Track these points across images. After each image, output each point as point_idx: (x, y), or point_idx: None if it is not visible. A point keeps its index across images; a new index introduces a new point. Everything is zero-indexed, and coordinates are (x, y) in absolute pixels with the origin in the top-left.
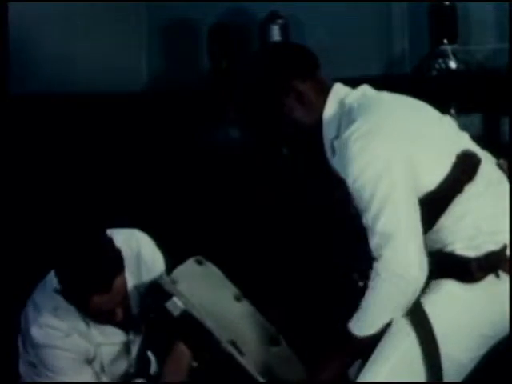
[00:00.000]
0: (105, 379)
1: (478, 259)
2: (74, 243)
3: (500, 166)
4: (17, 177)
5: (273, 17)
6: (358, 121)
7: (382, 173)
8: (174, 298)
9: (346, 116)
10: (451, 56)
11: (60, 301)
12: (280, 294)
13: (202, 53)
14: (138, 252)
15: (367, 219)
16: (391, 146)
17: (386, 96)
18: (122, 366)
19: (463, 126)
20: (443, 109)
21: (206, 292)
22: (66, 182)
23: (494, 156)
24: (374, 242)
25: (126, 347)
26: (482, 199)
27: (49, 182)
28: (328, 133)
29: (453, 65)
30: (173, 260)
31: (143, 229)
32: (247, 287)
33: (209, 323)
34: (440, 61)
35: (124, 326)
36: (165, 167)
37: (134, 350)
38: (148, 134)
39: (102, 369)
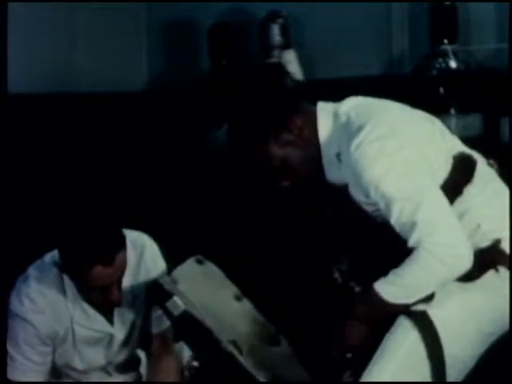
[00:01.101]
0: (80, 366)
1: (474, 256)
2: (81, 216)
3: (491, 165)
4: (17, 177)
5: (273, 16)
6: (367, 127)
7: (405, 171)
8: (175, 298)
9: (345, 128)
10: (451, 56)
11: (50, 275)
12: (280, 294)
13: (202, 52)
14: (141, 254)
15: (402, 218)
16: (407, 147)
17: (381, 102)
18: (99, 357)
19: (463, 126)
20: (443, 109)
21: (207, 291)
22: (67, 181)
23: (494, 156)
24: (415, 236)
25: (108, 339)
26: (480, 198)
27: (49, 182)
28: (329, 151)
29: (453, 65)
30: (172, 259)
31: (144, 228)
32: (247, 286)
33: (209, 323)
34: (440, 60)
35: (110, 316)
36: (165, 166)
37: (115, 346)
38: (149, 134)
39: (76, 350)
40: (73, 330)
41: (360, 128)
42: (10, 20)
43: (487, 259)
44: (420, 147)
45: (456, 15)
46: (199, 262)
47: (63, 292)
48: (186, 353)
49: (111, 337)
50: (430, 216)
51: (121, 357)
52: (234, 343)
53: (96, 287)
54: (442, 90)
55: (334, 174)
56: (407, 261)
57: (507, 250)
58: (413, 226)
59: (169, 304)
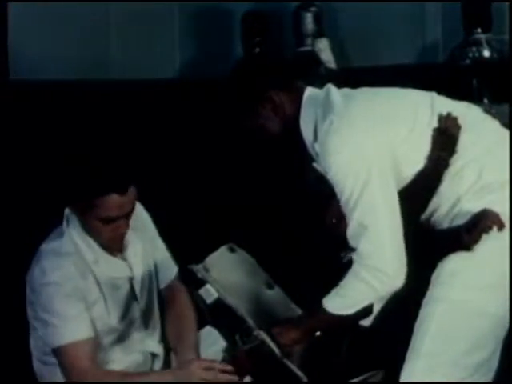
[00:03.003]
0: (113, 323)
1: (465, 224)
2: (95, 148)
3: (487, 110)
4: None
5: (306, 4)
6: (329, 118)
7: (359, 166)
8: (208, 286)
9: (321, 118)
10: (485, 45)
11: (62, 240)
12: (311, 282)
13: (235, 40)
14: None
15: (346, 211)
16: (366, 136)
17: (348, 90)
18: (130, 311)
19: (495, 115)
20: (476, 98)
21: (239, 279)
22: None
23: None
24: (350, 231)
25: (131, 285)
26: (477, 149)
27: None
28: (307, 138)
29: (486, 53)
30: (205, 247)
31: (173, 216)
32: (279, 274)
33: (242, 310)
34: (474, 49)
35: (126, 260)
36: (195, 154)
37: (137, 289)
38: (179, 121)
39: (108, 312)
40: (100, 287)
41: (325, 119)
42: (42, 8)
43: (479, 223)
44: (383, 133)
45: (489, 4)
46: (231, 249)
47: (80, 252)
48: (218, 345)
49: (131, 282)
50: (365, 219)
51: (142, 306)
52: (267, 331)
53: (108, 219)
54: (475, 79)
55: (314, 151)
56: (350, 273)
57: (504, 210)
58: (349, 220)
59: (202, 291)
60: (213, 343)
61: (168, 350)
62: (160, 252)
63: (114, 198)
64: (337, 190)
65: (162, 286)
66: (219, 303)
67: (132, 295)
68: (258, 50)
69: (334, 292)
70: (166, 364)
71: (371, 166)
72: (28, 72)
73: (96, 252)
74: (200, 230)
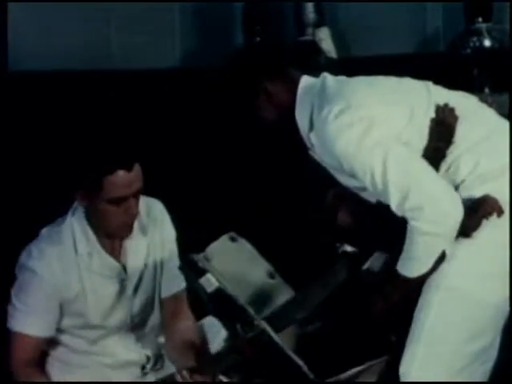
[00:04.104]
0: (94, 321)
1: (464, 210)
2: (98, 129)
3: (483, 99)
4: (42, 151)
5: None
6: (327, 107)
7: (366, 138)
8: (208, 275)
9: (317, 107)
10: (486, 34)
11: (61, 229)
12: (313, 271)
13: (235, 29)
14: (149, 212)
15: (377, 185)
16: (369, 115)
17: (345, 78)
18: (117, 312)
19: (497, 105)
20: (477, 87)
21: (240, 269)
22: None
23: None
24: (393, 202)
25: (122, 287)
26: (473, 137)
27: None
28: (302, 127)
29: (487, 43)
30: (205, 236)
31: (174, 204)
32: (280, 264)
33: (242, 300)
34: (474, 39)
35: (124, 262)
36: (195, 142)
37: (129, 292)
38: (181, 111)
39: (88, 307)
40: (81, 282)
41: (322, 108)
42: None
43: (478, 209)
44: (384, 114)
45: None
46: (232, 239)
47: (74, 242)
48: (219, 337)
49: (123, 284)
50: (399, 177)
51: (135, 311)
52: (268, 320)
53: (119, 200)
54: (476, 68)
55: (309, 141)
56: (408, 232)
57: (503, 198)
58: (386, 191)
59: (202, 281)
60: (216, 333)
61: (161, 354)
62: (169, 261)
63: (122, 175)
64: (355, 173)
65: (167, 294)
66: (220, 293)
67: (121, 296)
68: (258, 38)
69: (404, 258)
70: (158, 367)
71: (380, 137)
72: (28, 63)
73: (92, 245)
74: (201, 219)
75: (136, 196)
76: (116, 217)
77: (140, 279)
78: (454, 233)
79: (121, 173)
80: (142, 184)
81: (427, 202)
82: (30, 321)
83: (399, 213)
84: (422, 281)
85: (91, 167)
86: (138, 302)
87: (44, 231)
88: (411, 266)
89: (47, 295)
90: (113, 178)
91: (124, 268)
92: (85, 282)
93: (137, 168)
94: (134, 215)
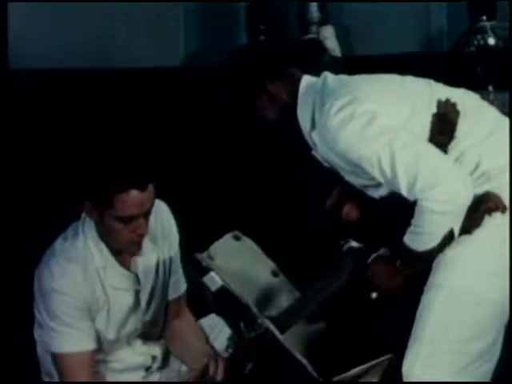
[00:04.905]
0: (110, 336)
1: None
2: (115, 145)
3: (484, 97)
4: (50, 149)
5: None
6: (328, 102)
7: (369, 127)
8: (212, 273)
9: (319, 106)
10: (490, 32)
11: (76, 243)
12: (316, 270)
13: (239, 28)
14: (160, 219)
15: (386, 173)
16: (371, 107)
17: (345, 76)
18: (130, 322)
19: (501, 103)
20: (481, 85)
21: (244, 267)
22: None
23: None
24: (404, 187)
25: (137, 297)
26: (475, 136)
27: (83, 155)
28: (304, 127)
29: (491, 41)
30: (210, 235)
31: (178, 203)
32: (285, 262)
33: (246, 298)
34: (479, 37)
35: (137, 273)
36: (199, 140)
37: (142, 306)
38: (184, 109)
39: (108, 321)
40: (106, 295)
41: (324, 105)
42: None
43: (481, 206)
44: (386, 108)
45: None
46: (236, 237)
47: (91, 256)
48: (223, 336)
49: (137, 295)
50: (407, 161)
51: (146, 319)
52: (272, 319)
53: (128, 218)
54: (479, 66)
55: (311, 140)
56: (417, 210)
57: (504, 196)
58: (395, 176)
59: (206, 279)
60: (220, 331)
61: (167, 352)
62: (175, 264)
63: (134, 195)
64: (361, 164)
65: (172, 296)
66: (224, 291)
67: (136, 307)
68: (262, 37)
69: (413, 232)
70: (164, 365)
71: (383, 126)
72: (32, 61)
73: (106, 259)
74: (204, 217)
75: (146, 215)
76: (123, 235)
77: (153, 288)
78: (464, 210)
79: (133, 192)
80: (154, 203)
81: (437, 182)
82: (78, 337)
83: (410, 196)
84: (429, 256)
85: (103, 183)
86: (150, 311)
87: (58, 247)
88: (420, 240)
89: (82, 310)
90: (124, 196)
91: (137, 278)
92: (108, 294)
93: (150, 188)
94: (142, 235)
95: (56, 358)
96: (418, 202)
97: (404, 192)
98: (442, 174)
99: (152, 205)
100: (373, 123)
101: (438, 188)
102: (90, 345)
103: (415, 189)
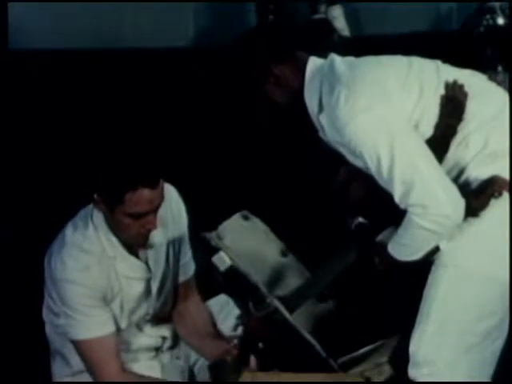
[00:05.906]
0: (123, 324)
1: (473, 189)
2: (125, 142)
3: (491, 78)
4: (57, 131)
5: None
6: (336, 89)
7: (379, 129)
8: (221, 253)
9: (327, 89)
10: (499, 12)
11: (87, 232)
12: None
13: (248, 8)
14: (169, 206)
15: (383, 175)
16: (378, 100)
17: (353, 59)
18: (141, 309)
19: (506, 84)
20: (490, 65)
21: (252, 247)
22: (109, 135)
23: None
24: (397, 194)
25: (148, 285)
26: (482, 116)
27: (91, 137)
28: (312, 110)
29: (501, 21)
30: (221, 215)
31: (187, 183)
32: (293, 242)
33: (255, 278)
34: (488, 17)
35: (147, 260)
36: (208, 121)
37: (153, 293)
38: (194, 90)
39: (122, 310)
40: (120, 284)
41: (332, 89)
42: None
43: (486, 188)
44: (392, 97)
45: None
46: (245, 217)
47: (103, 247)
48: (232, 315)
49: (148, 283)
50: (405, 172)
51: (157, 305)
52: (281, 299)
53: (138, 215)
54: (489, 46)
55: (319, 123)
56: (406, 221)
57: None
58: (391, 182)
59: (215, 259)
60: (229, 311)
61: (176, 334)
62: (185, 247)
63: (145, 193)
64: (364, 160)
65: (182, 279)
66: (232, 271)
67: (147, 294)
68: (271, 17)
69: (397, 241)
70: (174, 345)
71: (390, 126)
72: (39, 42)
73: (117, 249)
74: (213, 197)
75: (155, 211)
76: (132, 229)
77: (163, 275)
78: (451, 232)
79: (145, 190)
80: (163, 198)
81: (430, 203)
82: (100, 322)
83: (401, 205)
84: (410, 265)
85: (115, 180)
86: (161, 298)
87: (68, 236)
88: (402, 250)
89: (98, 299)
90: (136, 194)
91: (148, 266)
92: (121, 281)
93: (160, 184)
94: (150, 230)
95: (79, 345)
96: (408, 214)
97: (396, 199)
98: (436, 195)
99: (162, 200)
100: (377, 118)
101: (430, 209)
102: (111, 327)
103: (408, 201)
